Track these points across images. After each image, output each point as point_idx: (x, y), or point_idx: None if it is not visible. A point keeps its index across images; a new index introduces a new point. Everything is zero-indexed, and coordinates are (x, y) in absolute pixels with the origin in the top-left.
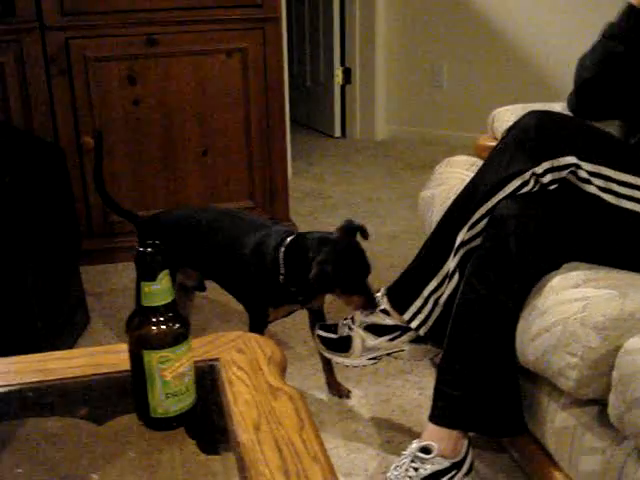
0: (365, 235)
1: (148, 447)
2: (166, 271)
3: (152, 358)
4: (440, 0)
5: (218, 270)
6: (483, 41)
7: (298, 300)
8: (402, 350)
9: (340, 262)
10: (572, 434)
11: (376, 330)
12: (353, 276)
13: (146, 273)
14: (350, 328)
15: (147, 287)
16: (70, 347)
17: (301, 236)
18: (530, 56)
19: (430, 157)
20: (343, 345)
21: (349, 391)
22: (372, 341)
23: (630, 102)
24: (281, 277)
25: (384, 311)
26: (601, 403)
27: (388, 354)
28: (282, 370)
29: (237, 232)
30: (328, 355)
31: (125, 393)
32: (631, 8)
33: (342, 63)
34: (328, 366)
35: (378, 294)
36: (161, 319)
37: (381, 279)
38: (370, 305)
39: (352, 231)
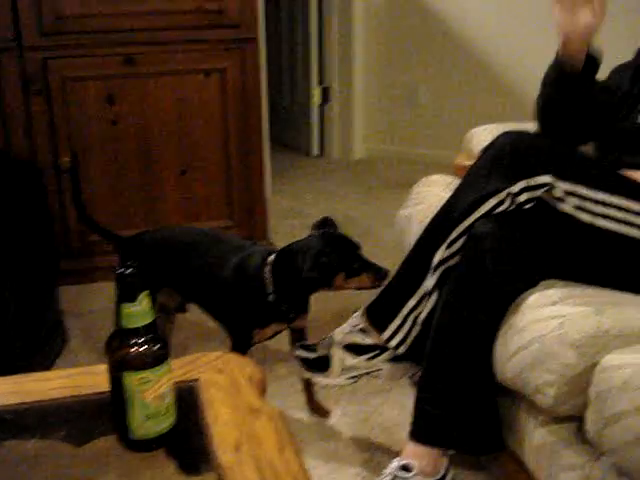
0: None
1: (128, 469)
2: (146, 292)
3: (132, 379)
4: (417, 20)
5: (199, 292)
6: (460, 60)
7: (287, 318)
8: (381, 369)
9: (332, 248)
10: (550, 451)
11: (355, 349)
12: (350, 255)
13: (126, 294)
14: (329, 347)
15: (127, 308)
16: (48, 368)
17: (284, 249)
18: (506, 76)
19: (407, 176)
20: (322, 364)
21: (329, 410)
22: (351, 360)
23: (591, 126)
24: (271, 296)
25: (363, 330)
26: (579, 420)
27: (367, 373)
28: (262, 390)
29: (217, 254)
30: (307, 374)
31: (104, 415)
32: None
33: (320, 82)
34: (308, 386)
35: (356, 313)
36: (141, 340)
37: (359, 298)
38: (380, 275)
39: (327, 224)
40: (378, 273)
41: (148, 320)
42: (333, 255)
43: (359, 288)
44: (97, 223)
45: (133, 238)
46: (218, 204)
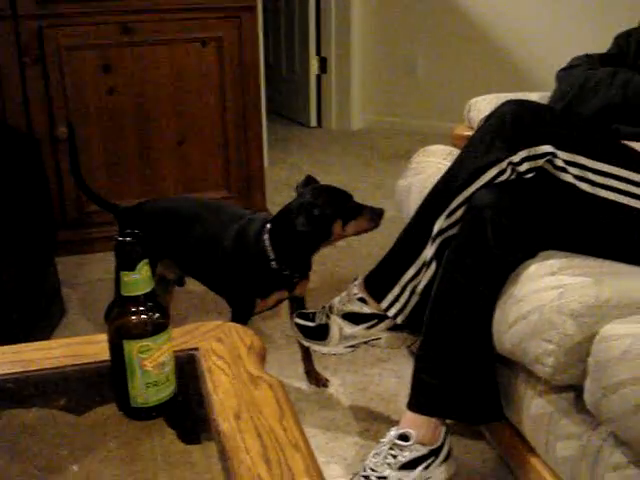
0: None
1: (128, 437)
2: (146, 260)
3: (132, 348)
4: None
5: (198, 263)
6: (458, 31)
7: (289, 284)
8: (379, 338)
9: (323, 199)
10: (548, 420)
11: (353, 318)
12: (343, 202)
13: (126, 263)
14: (328, 316)
15: (127, 276)
16: (46, 338)
17: (278, 213)
18: (506, 46)
19: (406, 147)
20: (321, 333)
21: (327, 380)
22: (349, 329)
23: None
24: (272, 263)
25: (361, 299)
26: (577, 389)
27: (365, 342)
28: (262, 359)
29: (217, 224)
30: (306, 343)
31: (104, 383)
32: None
33: (318, 53)
34: (307, 355)
35: (355, 282)
36: (141, 309)
37: (358, 268)
38: (377, 213)
39: (310, 182)
40: (374, 212)
41: (148, 289)
42: (326, 205)
43: (358, 232)
44: (95, 193)
45: (132, 208)
46: (215, 175)
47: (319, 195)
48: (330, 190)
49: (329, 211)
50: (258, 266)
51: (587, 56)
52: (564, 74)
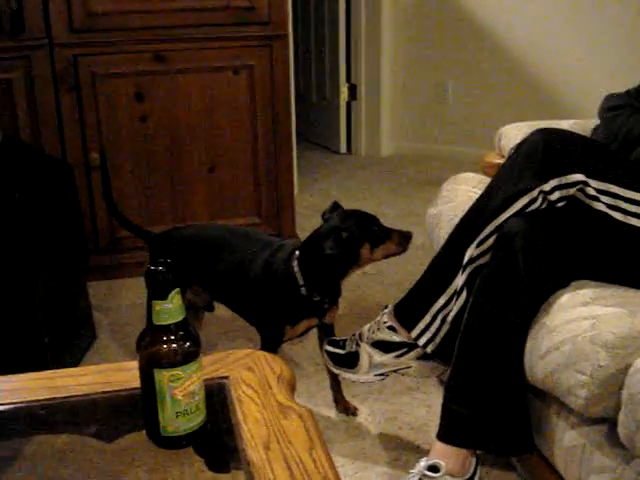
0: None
1: (156, 465)
2: (177, 290)
3: (163, 377)
4: (445, 17)
5: (228, 290)
6: (488, 58)
7: (320, 311)
8: (409, 367)
9: (350, 223)
10: (581, 453)
11: (383, 347)
12: (370, 225)
13: (157, 291)
14: (358, 344)
15: (158, 305)
16: (77, 363)
17: (307, 239)
18: (536, 73)
19: (436, 174)
20: (350, 361)
21: (356, 409)
22: (379, 357)
23: None
24: (302, 289)
25: (391, 328)
26: (611, 422)
27: (395, 371)
28: (292, 388)
29: (246, 251)
30: (335, 370)
31: (134, 411)
32: None
33: (348, 80)
34: (335, 383)
35: (385, 310)
36: (172, 338)
37: (387, 296)
38: (405, 238)
39: (337, 208)
40: (402, 236)
41: (179, 317)
42: (353, 228)
43: (387, 256)
44: (127, 219)
45: (163, 235)
46: (246, 201)
47: (347, 219)
48: (357, 214)
49: (357, 234)
50: (287, 293)
51: (627, 93)
52: (607, 119)
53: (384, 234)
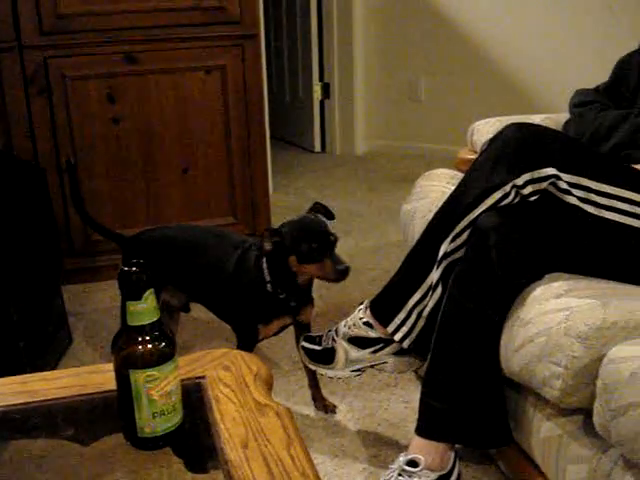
0: (329, 216)
1: (135, 467)
2: (151, 290)
3: (138, 377)
4: (417, 14)
5: (203, 290)
6: (460, 55)
7: (289, 309)
8: (386, 362)
9: (288, 230)
10: (558, 443)
11: (359, 342)
12: (307, 241)
13: (131, 292)
14: (334, 340)
15: (132, 306)
16: (53, 367)
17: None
18: (508, 69)
19: (409, 171)
20: (327, 357)
21: (335, 406)
22: (355, 353)
23: None
24: (268, 285)
25: (367, 324)
26: (586, 412)
27: (372, 366)
28: (269, 387)
29: (219, 250)
30: (312, 366)
31: (111, 413)
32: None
33: (321, 78)
34: (314, 381)
35: (360, 306)
36: (147, 338)
37: (364, 293)
38: (339, 272)
39: (315, 209)
40: (337, 268)
41: (154, 318)
42: (286, 237)
43: (318, 277)
44: (98, 223)
45: (135, 237)
46: (221, 202)
47: (292, 227)
48: (307, 226)
49: (285, 244)
50: (256, 290)
51: (596, 90)
52: (576, 116)
53: (315, 256)
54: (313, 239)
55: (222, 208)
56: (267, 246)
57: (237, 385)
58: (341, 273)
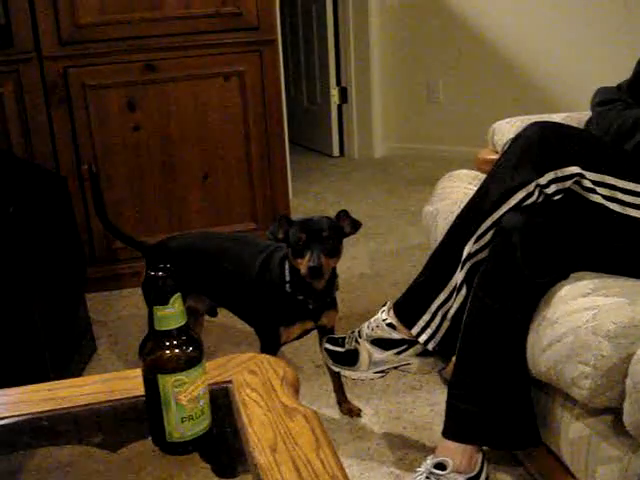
0: (354, 224)
1: (163, 473)
2: (178, 294)
3: (167, 382)
4: (433, 16)
5: (227, 295)
6: (478, 55)
7: (309, 313)
8: (409, 364)
9: (291, 227)
10: (587, 444)
11: (383, 344)
12: (295, 234)
13: (158, 297)
14: (357, 342)
15: (160, 311)
16: (78, 376)
17: None
18: (526, 69)
19: (429, 173)
20: (350, 359)
21: (360, 410)
22: (379, 355)
23: None
24: (287, 285)
25: (390, 325)
26: (615, 411)
27: (395, 367)
28: (295, 390)
29: (242, 256)
30: (335, 368)
31: (138, 419)
32: None
33: (338, 83)
34: (338, 385)
35: (384, 308)
36: (174, 342)
37: (386, 296)
38: (311, 269)
39: (340, 217)
40: (311, 264)
41: (181, 322)
42: (283, 228)
43: (303, 275)
44: (122, 231)
45: (158, 244)
46: (241, 207)
47: (297, 219)
48: (305, 221)
49: (278, 236)
50: (278, 291)
51: (618, 88)
52: (599, 114)
53: (301, 250)
54: (303, 231)
55: (243, 214)
56: (280, 234)
57: (264, 389)
58: (309, 269)
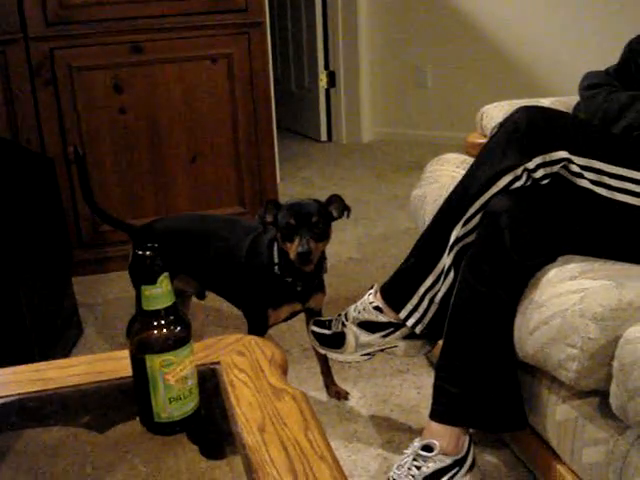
0: (344, 208)
1: (151, 454)
2: (166, 274)
3: (154, 362)
4: (422, 1)
5: (215, 277)
6: (466, 40)
7: (297, 295)
8: (396, 346)
9: (280, 211)
10: (574, 426)
11: (369, 327)
12: (284, 218)
13: (146, 276)
14: (344, 324)
15: (147, 290)
16: (64, 358)
17: None
18: (515, 53)
19: (417, 158)
20: (337, 341)
21: (347, 392)
22: (365, 337)
23: None
24: (276, 267)
25: (377, 308)
26: (602, 394)
27: (381, 350)
28: (284, 371)
29: (230, 238)
30: (322, 350)
31: (125, 400)
32: None
33: (326, 67)
34: (326, 368)
35: (370, 291)
36: (162, 322)
37: (373, 280)
38: (300, 254)
39: (331, 201)
40: (299, 250)
41: (169, 302)
42: (270, 212)
43: (292, 259)
44: (108, 213)
45: (145, 227)
46: (228, 191)
47: (286, 203)
48: (294, 204)
49: (267, 219)
50: (267, 273)
51: (606, 72)
52: (586, 99)
53: (290, 234)
54: (292, 216)
55: (230, 197)
56: (268, 218)
57: (252, 370)
58: (299, 255)
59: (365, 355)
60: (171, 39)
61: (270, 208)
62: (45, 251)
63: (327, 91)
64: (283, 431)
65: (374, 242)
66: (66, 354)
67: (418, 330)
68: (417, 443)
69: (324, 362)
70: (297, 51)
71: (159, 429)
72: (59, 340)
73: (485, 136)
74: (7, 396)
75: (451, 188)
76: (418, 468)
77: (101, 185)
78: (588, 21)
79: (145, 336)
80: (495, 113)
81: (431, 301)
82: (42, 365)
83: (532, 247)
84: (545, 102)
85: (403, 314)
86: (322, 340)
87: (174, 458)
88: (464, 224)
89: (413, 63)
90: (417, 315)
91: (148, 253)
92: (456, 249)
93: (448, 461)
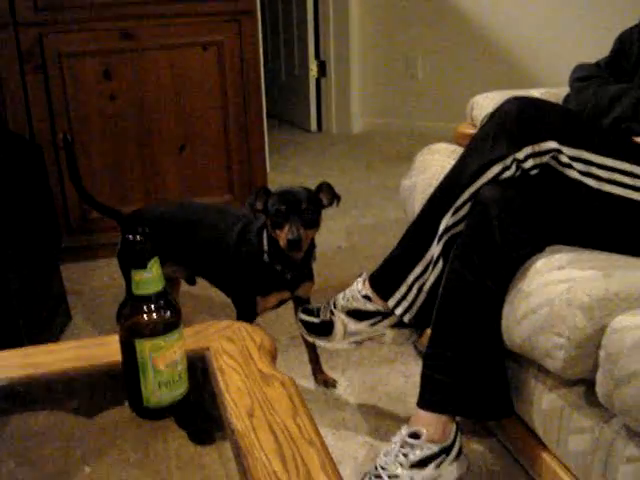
0: (333, 195)
1: (140, 439)
2: (156, 258)
3: (144, 347)
4: None
5: (204, 264)
6: (457, 31)
7: (286, 283)
8: (384, 334)
9: (270, 198)
10: (560, 415)
11: (357, 315)
12: (274, 204)
13: (136, 261)
14: (332, 312)
15: (138, 275)
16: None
17: None
18: (505, 43)
19: (406, 148)
20: (325, 329)
21: (335, 380)
22: (354, 325)
23: None
24: (265, 255)
25: (366, 297)
26: (588, 383)
27: (369, 338)
28: (273, 357)
29: (220, 225)
30: (310, 338)
31: (114, 385)
32: None
33: (317, 56)
34: (314, 356)
35: (359, 279)
36: (152, 307)
37: (362, 269)
38: (290, 241)
39: (320, 189)
40: (289, 237)
41: (159, 287)
42: (260, 198)
43: (283, 246)
44: (97, 201)
45: (134, 213)
46: (218, 179)
47: (276, 190)
48: (284, 191)
49: (256, 205)
50: (256, 261)
51: (597, 65)
52: (577, 90)
53: (280, 221)
54: (282, 202)
55: (219, 185)
56: (258, 205)
57: (241, 356)
58: (288, 242)
59: (353, 343)
60: (162, 26)
61: (260, 195)
62: (33, 237)
63: (317, 81)
64: (272, 416)
65: (363, 231)
66: (54, 340)
67: (406, 319)
68: (404, 431)
69: (312, 350)
70: (288, 40)
71: (148, 414)
72: (47, 327)
73: (475, 126)
74: None
75: (441, 178)
76: (405, 455)
77: (90, 171)
78: (581, 14)
79: (135, 321)
80: (485, 103)
81: (420, 290)
82: (30, 349)
83: (520, 236)
84: (535, 93)
85: (391, 303)
86: (310, 328)
87: (163, 443)
88: (453, 213)
89: (403, 53)
90: (405, 304)
91: (138, 237)
92: (445, 238)
93: (435, 449)
